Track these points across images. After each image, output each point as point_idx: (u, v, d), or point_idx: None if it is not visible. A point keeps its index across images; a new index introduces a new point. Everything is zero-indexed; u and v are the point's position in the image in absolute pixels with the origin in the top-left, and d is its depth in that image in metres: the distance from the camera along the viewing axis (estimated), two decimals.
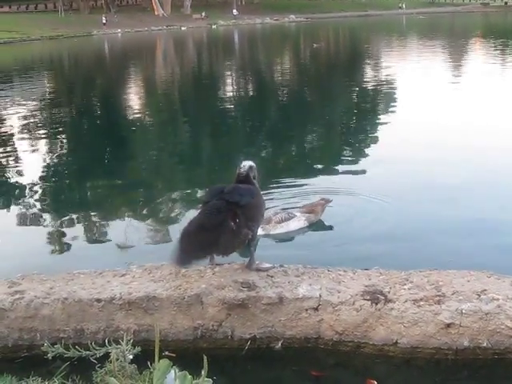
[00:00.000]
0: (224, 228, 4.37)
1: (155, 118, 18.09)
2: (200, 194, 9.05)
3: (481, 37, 46.60)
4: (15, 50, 55.74)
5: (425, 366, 4.24)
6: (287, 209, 7.79)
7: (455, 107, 15.63)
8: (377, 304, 4.28)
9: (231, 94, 22.87)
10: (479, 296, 4.27)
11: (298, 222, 7.38)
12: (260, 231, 7.27)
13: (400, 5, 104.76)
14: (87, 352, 3.41)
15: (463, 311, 4.15)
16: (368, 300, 4.31)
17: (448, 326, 4.16)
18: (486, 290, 4.33)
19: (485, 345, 4.16)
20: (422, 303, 4.24)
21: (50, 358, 3.55)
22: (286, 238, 7.26)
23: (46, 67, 37.91)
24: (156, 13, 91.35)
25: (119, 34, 72.51)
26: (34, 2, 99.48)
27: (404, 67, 26.61)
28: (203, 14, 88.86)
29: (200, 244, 4.39)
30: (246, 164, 4.82)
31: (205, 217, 4.46)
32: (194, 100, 21.31)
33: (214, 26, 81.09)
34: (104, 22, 75.99)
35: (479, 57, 30.30)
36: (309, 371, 4.32)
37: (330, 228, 7.48)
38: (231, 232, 4.38)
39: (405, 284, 4.48)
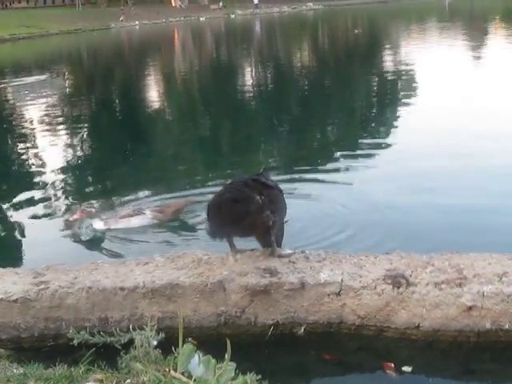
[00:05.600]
0: (252, 201, 4.41)
1: (176, 109, 18.17)
2: (220, 184, 9.08)
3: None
4: (34, 45, 55.94)
5: (447, 348, 4.24)
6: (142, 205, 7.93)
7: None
8: (398, 288, 4.28)
9: (277, 85, 22.66)
10: (500, 278, 4.25)
11: (142, 219, 7.41)
12: (101, 225, 7.40)
13: None
14: (112, 338, 3.45)
15: (485, 293, 4.15)
16: (390, 284, 4.31)
17: (470, 308, 4.15)
18: (507, 273, 4.31)
19: (507, 327, 4.15)
20: (443, 286, 4.24)
21: (76, 344, 3.60)
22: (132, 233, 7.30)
23: (67, 61, 38.06)
24: (173, 4, 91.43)
25: (137, 27, 72.60)
26: None
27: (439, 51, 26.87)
28: (220, 4, 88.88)
29: (231, 216, 4.44)
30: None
31: (235, 190, 4.52)
32: (220, 91, 21.29)
33: (232, 16, 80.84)
34: (121, 19, 75.73)
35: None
36: (322, 355, 4.36)
37: (350, 215, 7.46)
38: (258, 206, 4.42)
39: (426, 267, 4.48)
